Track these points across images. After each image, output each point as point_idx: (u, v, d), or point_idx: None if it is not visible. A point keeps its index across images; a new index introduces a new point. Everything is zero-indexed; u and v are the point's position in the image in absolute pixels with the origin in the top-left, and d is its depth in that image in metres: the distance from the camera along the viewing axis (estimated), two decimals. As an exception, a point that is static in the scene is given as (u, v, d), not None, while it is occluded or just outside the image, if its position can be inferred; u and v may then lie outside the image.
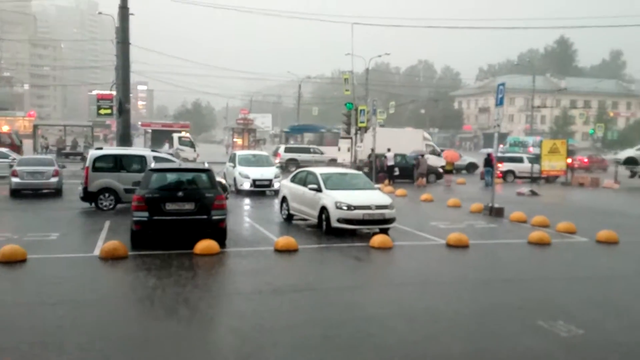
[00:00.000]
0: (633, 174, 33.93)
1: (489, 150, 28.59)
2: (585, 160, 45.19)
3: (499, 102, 17.68)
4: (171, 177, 12.09)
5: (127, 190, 15.71)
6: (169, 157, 19.14)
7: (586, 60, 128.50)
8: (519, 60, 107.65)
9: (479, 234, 14.54)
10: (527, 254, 12.52)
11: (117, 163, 17.19)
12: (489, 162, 28.37)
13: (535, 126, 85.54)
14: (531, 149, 56.02)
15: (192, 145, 40.73)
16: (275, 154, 37.97)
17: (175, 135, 41.82)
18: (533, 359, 6.32)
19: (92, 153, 17.59)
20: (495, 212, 17.60)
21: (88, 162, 16.92)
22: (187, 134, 44.11)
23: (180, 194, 11.49)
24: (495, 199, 18.17)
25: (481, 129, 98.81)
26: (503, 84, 18.03)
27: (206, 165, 18.01)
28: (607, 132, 77.48)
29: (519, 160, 34.86)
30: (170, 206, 11.33)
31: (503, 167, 33.38)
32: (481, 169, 31.93)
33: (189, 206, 11.42)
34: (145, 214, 11.21)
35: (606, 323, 7.67)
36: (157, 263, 10.29)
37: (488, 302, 8.69)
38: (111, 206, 16.74)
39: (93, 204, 16.91)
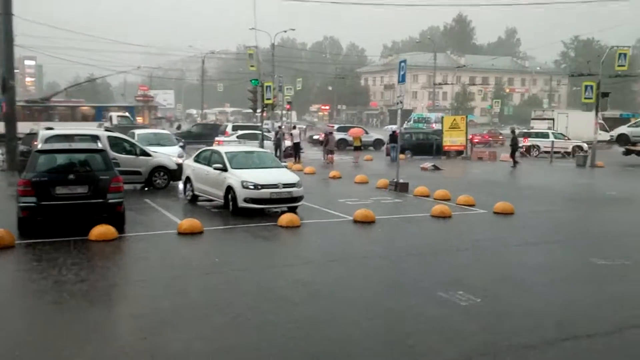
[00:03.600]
0: (628, 152, 31.87)
1: (394, 127, 29.30)
2: (486, 135, 47.67)
3: (401, 79, 17.98)
4: (61, 159, 11.24)
5: None
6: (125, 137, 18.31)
7: (484, 38, 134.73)
8: (420, 38, 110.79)
9: (385, 209, 14.80)
10: (430, 227, 12.89)
11: None
12: (394, 138, 29.00)
13: (438, 102, 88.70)
14: (434, 125, 58.10)
15: (132, 124, 38.89)
16: (223, 132, 38.09)
17: (114, 115, 40.03)
18: (434, 328, 6.45)
19: (43, 133, 16.47)
20: (400, 188, 18.02)
21: (39, 142, 15.73)
22: (126, 113, 42.36)
23: (71, 176, 10.74)
24: (400, 174, 18.58)
25: (387, 105, 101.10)
26: (404, 61, 18.33)
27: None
28: (504, 107, 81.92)
29: (545, 135, 36.47)
30: (60, 190, 10.56)
31: (528, 142, 35.18)
32: (387, 145, 32.64)
33: (81, 189, 10.71)
34: (33, 199, 10.39)
35: (501, 291, 8.01)
36: (49, 252, 9.58)
37: (392, 275, 8.84)
38: None
39: None
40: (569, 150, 35.37)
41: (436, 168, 25.98)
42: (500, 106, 77.31)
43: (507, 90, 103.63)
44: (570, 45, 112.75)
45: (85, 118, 41.49)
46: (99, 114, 41.97)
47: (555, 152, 33.47)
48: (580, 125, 40.71)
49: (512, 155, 28.53)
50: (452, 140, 33.06)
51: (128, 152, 17.08)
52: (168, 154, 18.61)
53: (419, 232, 12.33)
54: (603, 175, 25.76)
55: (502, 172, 25.64)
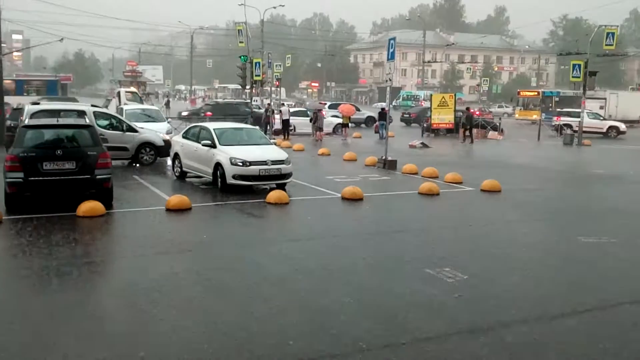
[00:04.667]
0: None
1: (383, 104, 29.29)
2: (478, 112, 47.86)
3: (390, 57, 17.93)
4: (48, 134, 11.12)
5: None
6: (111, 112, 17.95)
7: (473, 16, 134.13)
8: (410, 16, 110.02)
9: (373, 186, 14.85)
10: (417, 204, 12.98)
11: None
12: (382, 116, 28.98)
13: (427, 80, 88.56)
14: (423, 103, 58.16)
15: (140, 101, 38.04)
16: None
17: (123, 90, 39.11)
18: (421, 304, 6.54)
19: (29, 108, 16.14)
20: (389, 165, 18.06)
21: (25, 117, 15.44)
22: (134, 89, 41.55)
23: (59, 152, 10.64)
24: (388, 151, 18.61)
25: (376, 83, 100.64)
26: (394, 39, 18.24)
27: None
28: (492, 85, 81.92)
29: (579, 115, 36.16)
30: (48, 166, 10.48)
31: (560, 121, 35.18)
32: (376, 122, 32.61)
33: (69, 165, 10.63)
34: (20, 174, 10.32)
35: (488, 268, 8.11)
36: (37, 227, 9.53)
37: (380, 252, 8.91)
38: None
39: None
40: (604, 130, 35.04)
41: (424, 146, 26.05)
42: (489, 84, 77.31)
43: (496, 69, 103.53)
44: (559, 24, 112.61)
45: (6, 93, 40.29)
46: (19, 89, 40.67)
47: (590, 132, 33.24)
48: (628, 105, 41.79)
49: (465, 132, 29.38)
50: (441, 118, 33.06)
51: (115, 128, 16.93)
52: (156, 130, 18.50)
53: (407, 210, 12.41)
54: (589, 153, 26.01)
55: (490, 150, 25.77)
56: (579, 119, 35.43)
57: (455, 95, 36.75)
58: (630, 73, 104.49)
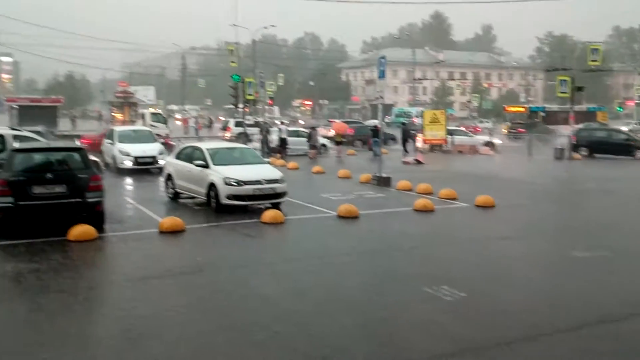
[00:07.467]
0: None
1: (375, 121, 29.45)
2: (478, 128, 48.38)
3: (381, 75, 18.08)
4: (38, 158, 11.03)
5: None
6: (33, 135, 17.27)
7: (460, 35, 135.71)
8: (399, 34, 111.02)
9: (368, 203, 14.77)
10: (413, 221, 12.90)
11: None
12: (376, 133, 29.02)
13: (418, 97, 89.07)
14: (415, 120, 58.40)
15: (164, 121, 37.92)
16: (225, 127, 38.17)
17: (147, 111, 38.95)
18: (420, 324, 6.43)
19: None
20: (383, 182, 18.01)
21: None
22: (158, 110, 41.36)
23: (49, 175, 10.51)
24: (382, 168, 18.57)
25: (368, 100, 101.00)
26: (384, 57, 18.41)
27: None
28: (482, 101, 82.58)
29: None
30: (38, 189, 10.33)
31: None
32: (370, 140, 32.62)
33: (59, 189, 10.49)
34: (10, 199, 10.15)
35: (485, 285, 8.03)
36: (27, 253, 9.35)
37: (378, 272, 8.80)
38: None
39: None
40: None
41: (418, 162, 26.07)
42: (479, 100, 77.95)
43: (485, 85, 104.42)
44: (544, 41, 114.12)
45: None
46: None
47: None
48: None
49: (403, 146, 30.51)
50: (433, 134, 33.16)
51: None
52: (146, 151, 18.32)
53: (403, 227, 12.31)
54: (580, 167, 26.10)
55: (483, 166, 25.79)
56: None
57: (446, 111, 36.91)
58: (616, 88, 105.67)
